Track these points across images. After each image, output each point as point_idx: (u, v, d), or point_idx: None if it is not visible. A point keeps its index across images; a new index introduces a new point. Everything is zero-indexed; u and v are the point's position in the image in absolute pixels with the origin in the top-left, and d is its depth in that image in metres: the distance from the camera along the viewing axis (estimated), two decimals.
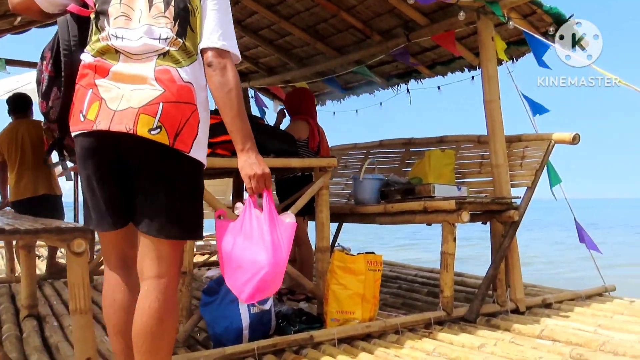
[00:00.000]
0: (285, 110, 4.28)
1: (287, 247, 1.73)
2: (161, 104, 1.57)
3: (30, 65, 5.64)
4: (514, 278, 3.42)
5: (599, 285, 3.92)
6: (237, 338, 2.69)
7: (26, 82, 5.76)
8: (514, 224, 3.36)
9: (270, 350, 2.59)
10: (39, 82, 1.83)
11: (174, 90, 1.60)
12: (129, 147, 1.60)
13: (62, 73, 1.71)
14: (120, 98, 1.57)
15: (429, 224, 3.52)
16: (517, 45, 3.99)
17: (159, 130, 1.57)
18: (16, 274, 4.79)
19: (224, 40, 1.69)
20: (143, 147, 1.58)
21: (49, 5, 1.79)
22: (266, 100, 6.31)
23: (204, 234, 1.85)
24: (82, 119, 1.61)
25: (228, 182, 6.41)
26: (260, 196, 1.77)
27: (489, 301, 3.37)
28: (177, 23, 1.65)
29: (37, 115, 4.56)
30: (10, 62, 5.18)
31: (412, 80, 5.08)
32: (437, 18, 4.05)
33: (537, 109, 3.75)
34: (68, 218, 5.04)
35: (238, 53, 1.73)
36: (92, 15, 1.70)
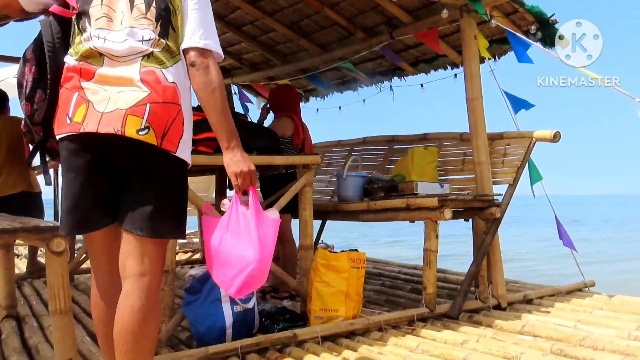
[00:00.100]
0: (269, 107, 4.26)
1: (272, 242, 1.78)
2: (148, 104, 1.59)
3: (7, 59, 5.55)
4: (495, 274, 3.45)
5: (579, 281, 3.97)
6: (221, 337, 2.68)
7: (3, 77, 5.66)
8: (495, 221, 3.38)
9: (254, 349, 2.59)
10: (20, 85, 1.81)
11: (160, 91, 1.61)
12: (117, 148, 1.61)
13: (48, 75, 1.70)
14: (107, 100, 1.59)
15: (412, 221, 3.54)
16: (499, 44, 4.02)
17: (146, 130, 1.58)
18: None
19: (206, 40, 1.70)
20: (131, 147, 1.60)
21: (30, 3, 1.76)
22: (250, 96, 6.28)
23: (187, 231, 1.86)
24: (68, 121, 1.61)
25: (211, 179, 6.37)
26: (246, 193, 1.79)
27: (471, 297, 3.40)
28: (159, 24, 1.66)
29: (15, 111, 4.48)
30: None
31: (396, 78, 5.09)
32: (421, 16, 4.06)
33: (521, 104, 3.77)
34: (48, 216, 4.97)
35: (220, 51, 1.75)
36: (74, 16, 1.69)
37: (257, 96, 6.29)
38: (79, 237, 5.16)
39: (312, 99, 6.18)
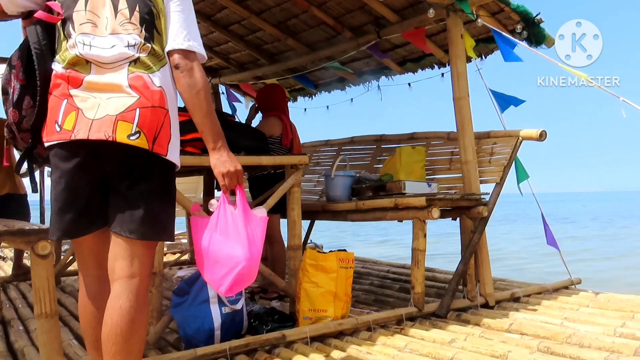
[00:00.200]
0: (257, 107, 4.25)
1: (260, 240, 1.82)
2: (138, 109, 1.61)
3: None
4: (483, 273, 3.47)
5: (565, 279, 4.00)
6: (209, 339, 2.67)
7: None
8: (483, 220, 3.40)
9: (243, 350, 2.58)
10: (5, 91, 1.81)
11: (149, 95, 1.63)
12: (108, 153, 1.63)
13: (37, 82, 1.69)
14: (97, 107, 1.60)
15: (400, 221, 3.54)
16: (485, 43, 4.04)
17: (137, 135, 1.60)
18: None
19: (189, 41, 1.72)
20: (122, 152, 1.62)
21: (10, 4, 1.75)
22: (238, 95, 6.26)
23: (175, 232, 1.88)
24: (57, 129, 1.62)
25: (198, 180, 6.34)
26: (234, 193, 1.82)
27: (459, 296, 3.41)
28: (143, 27, 1.67)
29: None
30: None
31: (383, 77, 5.10)
32: (407, 15, 4.07)
33: (510, 101, 3.78)
34: (34, 217, 4.92)
35: (204, 52, 1.76)
36: (59, 22, 1.69)
37: (245, 96, 6.27)
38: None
39: (300, 98, 6.18)
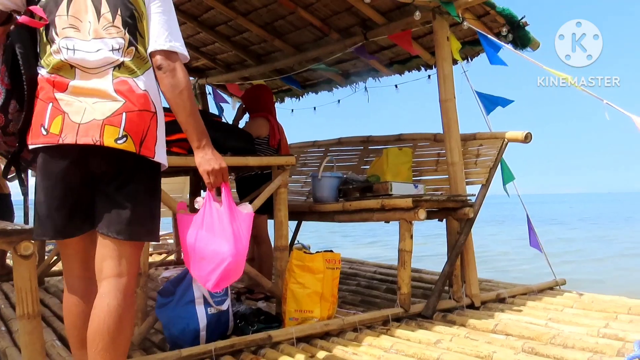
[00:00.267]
0: (244, 107, 4.24)
1: (246, 236, 1.84)
2: (124, 113, 1.63)
3: None
4: (469, 274, 3.49)
5: (550, 280, 4.04)
6: (194, 339, 2.66)
7: None
8: (469, 221, 3.42)
9: (228, 350, 2.57)
10: None
11: (134, 99, 1.65)
12: (96, 157, 1.64)
13: (24, 86, 1.69)
14: (82, 111, 1.61)
15: (387, 222, 3.55)
16: (471, 45, 4.07)
17: (124, 139, 1.62)
18: None
19: (171, 42, 1.72)
20: (110, 156, 1.63)
21: None
22: (225, 96, 6.24)
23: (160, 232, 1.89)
24: (44, 132, 1.62)
25: (185, 180, 6.32)
26: (219, 191, 1.83)
27: (445, 297, 3.43)
28: (126, 31, 1.68)
29: None
30: None
31: (370, 79, 5.11)
32: (394, 17, 4.08)
33: (498, 102, 3.80)
34: (18, 217, 4.87)
35: (186, 52, 1.77)
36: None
37: (232, 96, 6.25)
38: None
39: (287, 99, 6.17)
